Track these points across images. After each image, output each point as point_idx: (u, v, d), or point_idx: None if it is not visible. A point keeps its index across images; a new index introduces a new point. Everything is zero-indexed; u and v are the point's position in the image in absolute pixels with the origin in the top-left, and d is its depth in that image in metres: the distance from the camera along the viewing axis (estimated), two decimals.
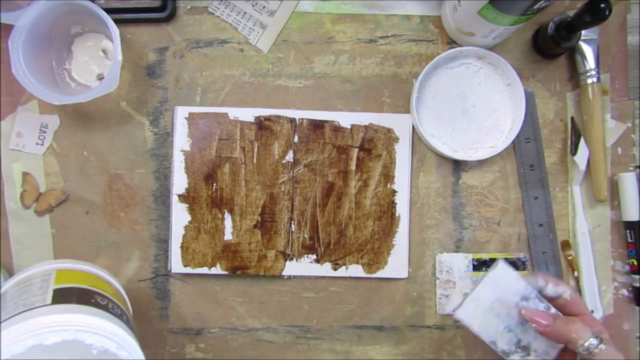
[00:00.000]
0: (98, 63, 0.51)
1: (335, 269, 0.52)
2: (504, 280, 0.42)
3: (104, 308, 0.39)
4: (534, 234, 0.52)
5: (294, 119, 0.52)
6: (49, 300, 0.37)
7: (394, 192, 0.52)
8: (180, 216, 0.51)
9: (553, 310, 0.42)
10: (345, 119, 0.52)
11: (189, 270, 0.51)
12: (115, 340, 0.36)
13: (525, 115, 0.50)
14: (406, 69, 0.53)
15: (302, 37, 0.52)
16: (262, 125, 0.51)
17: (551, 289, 0.42)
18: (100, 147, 0.52)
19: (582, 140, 0.51)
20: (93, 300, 0.39)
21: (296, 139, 0.52)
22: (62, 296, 0.38)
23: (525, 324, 0.41)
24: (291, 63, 0.52)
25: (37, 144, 0.51)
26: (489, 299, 0.42)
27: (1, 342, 0.33)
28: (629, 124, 0.53)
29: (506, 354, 0.41)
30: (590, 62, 0.51)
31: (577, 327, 0.39)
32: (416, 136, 0.52)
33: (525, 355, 0.41)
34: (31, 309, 0.36)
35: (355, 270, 0.52)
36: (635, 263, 0.52)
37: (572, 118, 0.53)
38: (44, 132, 0.51)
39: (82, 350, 0.35)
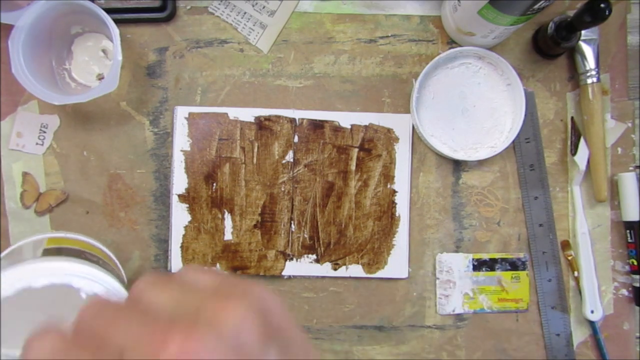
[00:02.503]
0: (98, 63, 0.51)
1: (335, 269, 0.52)
2: None
3: (94, 262, 0.39)
4: (534, 234, 0.52)
5: (294, 119, 0.52)
6: (39, 255, 0.38)
7: (394, 192, 0.52)
8: (180, 216, 0.51)
9: None
10: (345, 119, 0.52)
11: None
12: (104, 285, 0.36)
13: (525, 115, 0.50)
14: (406, 69, 0.53)
15: (302, 37, 0.52)
16: (262, 125, 0.51)
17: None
18: (100, 147, 0.52)
19: (582, 140, 0.51)
20: (83, 256, 0.40)
21: (296, 139, 0.52)
22: (52, 253, 0.39)
23: None
24: (291, 63, 0.52)
25: (37, 144, 0.51)
26: None
27: None
28: (629, 124, 0.53)
29: None
30: (590, 62, 0.51)
31: None
32: (416, 136, 0.52)
33: None
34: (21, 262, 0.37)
35: (355, 270, 0.52)
36: (635, 263, 0.52)
37: (572, 118, 0.53)
38: (44, 132, 0.51)
39: (71, 295, 0.35)
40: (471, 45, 0.50)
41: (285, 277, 0.52)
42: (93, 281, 0.36)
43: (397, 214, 0.52)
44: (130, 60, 0.52)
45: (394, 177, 0.52)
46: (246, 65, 0.52)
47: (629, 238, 0.52)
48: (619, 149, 0.53)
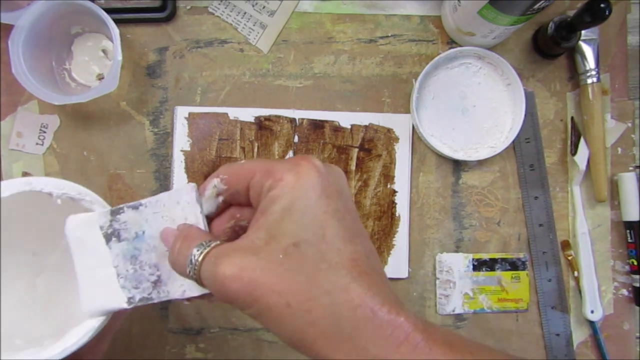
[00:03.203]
0: (98, 63, 0.51)
1: None
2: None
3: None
4: (534, 234, 0.52)
5: (294, 119, 0.52)
6: None
7: (394, 192, 0.52)
8: None
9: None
10: (345, 119, 0.52)
11: None
12: (74, 189, 0.36)
13: (525, 115, 0.50)
14: (406, 69, 0.53)
15: (302, 37, 0.52)
16: (262, 125, 0.51)
17: (208, 193, 0.31)
18: (100, 147, 0.52)
19: (582, 140, 0.51)
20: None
21: (296, 139, 0.52)
22: None
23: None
24: (291, 63, 0.52)
25: (37, 144, 0.51)
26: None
27: None
28: (629, 124, 0.53)
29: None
30: (590, 62, 0.51)
31: (179, 244, 0.29)
32: (416, 136, 0.52)
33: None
34: None
35: None
36: (635, 263, 0.52)
37: (572, 118, 0.53)
38: (44, 132, 0.51)
39: (46, 202, 0.35)
40: (471, 45, 0.50)
41: None
42: (62, 187, 0.35)
43: (397, 214, 0.52)
44: (130, 60, 0.52)
45: (394, 177, 0.52)
46: (246, 65, 0.52)
47: (629, 238, 0.52)
48: (619, 149, 0.53)
